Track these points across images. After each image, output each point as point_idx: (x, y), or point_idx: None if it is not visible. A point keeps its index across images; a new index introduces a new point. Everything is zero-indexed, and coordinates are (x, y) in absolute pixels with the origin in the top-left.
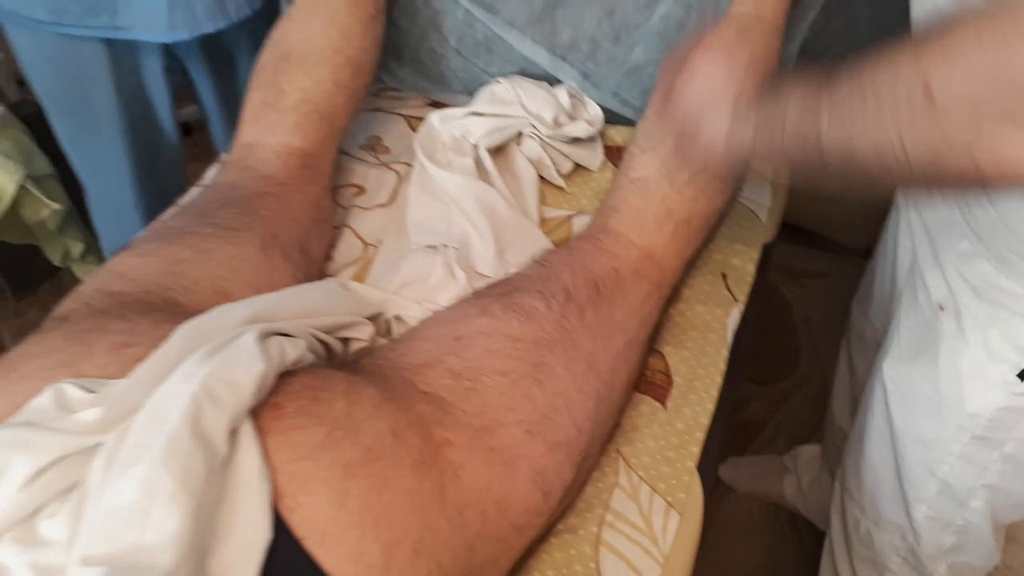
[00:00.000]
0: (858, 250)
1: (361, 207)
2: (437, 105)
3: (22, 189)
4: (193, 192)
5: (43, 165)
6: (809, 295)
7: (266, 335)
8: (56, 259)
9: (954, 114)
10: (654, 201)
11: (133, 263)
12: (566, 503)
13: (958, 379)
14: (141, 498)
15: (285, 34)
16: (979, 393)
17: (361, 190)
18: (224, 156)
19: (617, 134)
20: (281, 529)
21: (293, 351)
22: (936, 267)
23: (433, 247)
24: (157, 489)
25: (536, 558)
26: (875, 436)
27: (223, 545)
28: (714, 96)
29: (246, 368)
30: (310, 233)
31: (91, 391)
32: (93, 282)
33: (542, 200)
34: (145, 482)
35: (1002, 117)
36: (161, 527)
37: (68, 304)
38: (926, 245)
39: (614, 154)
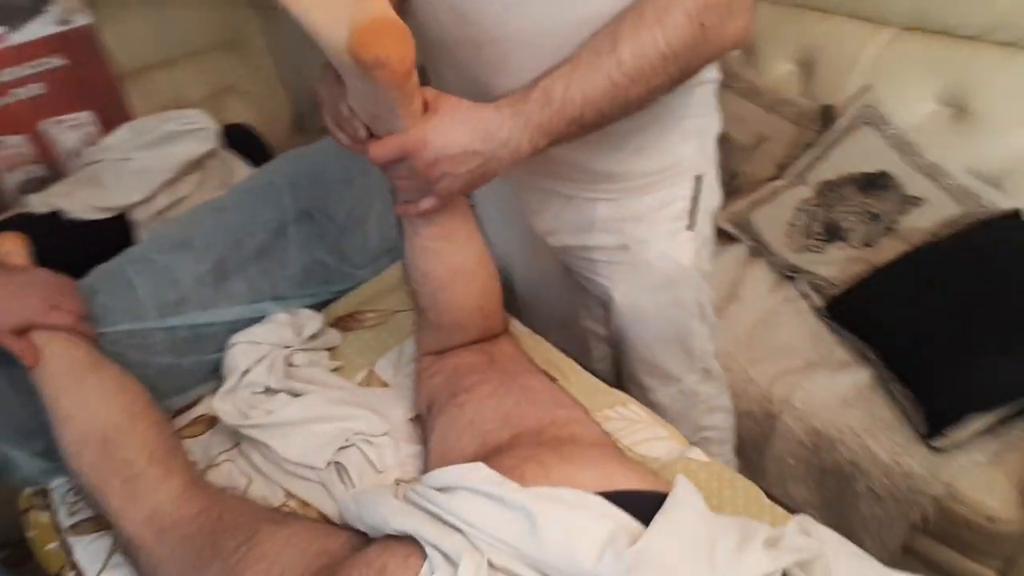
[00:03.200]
0: None
1: None
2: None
3: None
4: None
5: None
6: None
7: None
8: None
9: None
10: None
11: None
12: None
13: (673, 260)
14: None
15: (82, 429)
16: (683, 253)
17: None
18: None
19: (329, 313)
20: None
21: None
22: (603, 234)
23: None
24: None
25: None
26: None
27: None
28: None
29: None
30: None
31: None
32: None
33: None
34: None
35: None
36: None
37: None
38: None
39: (342, 322)
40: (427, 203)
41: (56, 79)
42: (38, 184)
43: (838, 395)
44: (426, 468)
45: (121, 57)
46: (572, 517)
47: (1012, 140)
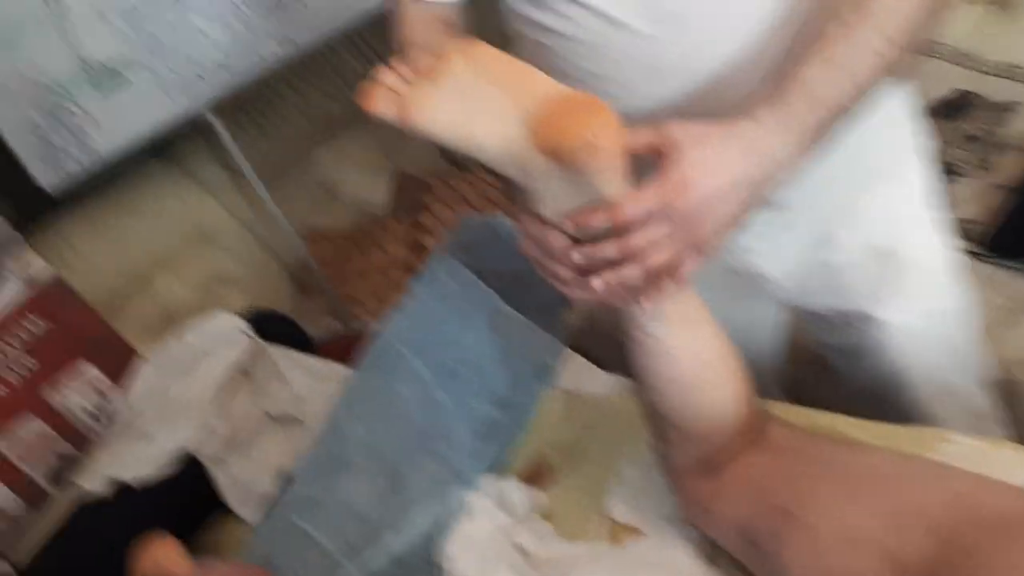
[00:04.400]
0: None
1: None
2: None
3: None
4: None
5: None
6: None
7: None
8: None
9: None
10: None
11: None
12: None
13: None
14: None
15: None
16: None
17: None
18: None
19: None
20: None
21: None
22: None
23: None
24: None
25: None
26: None
27: None
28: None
29: None
30: None
31: None
32: None
33: None
34: None
35: None
36: None
37: None
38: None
39: (533, 479)
40: (691, 263)
41: (44, 347)
42: (70, 463)
43: None
44: None
45: (90, 294)
46: None
47: None
